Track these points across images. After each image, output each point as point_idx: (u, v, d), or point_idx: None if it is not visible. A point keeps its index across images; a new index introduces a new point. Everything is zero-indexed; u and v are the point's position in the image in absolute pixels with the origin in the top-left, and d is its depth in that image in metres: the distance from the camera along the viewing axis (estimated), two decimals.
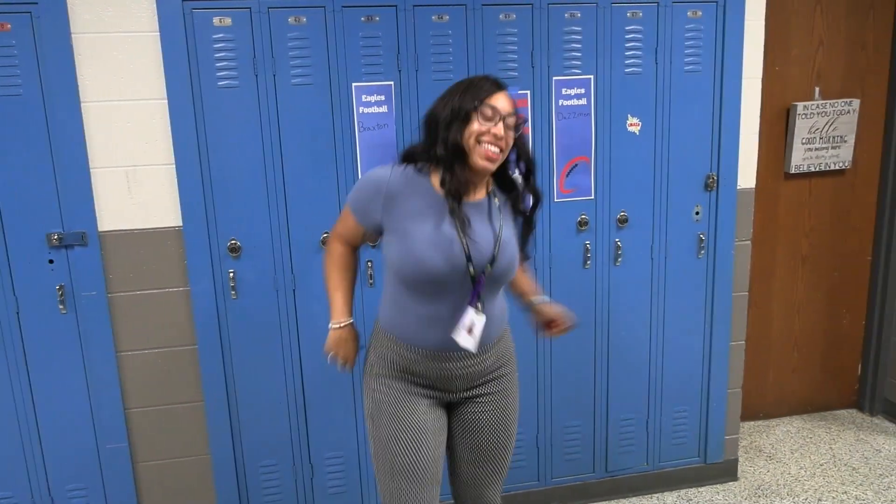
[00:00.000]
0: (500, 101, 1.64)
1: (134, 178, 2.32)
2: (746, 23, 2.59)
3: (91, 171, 2.28)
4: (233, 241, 2.39)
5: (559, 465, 2.83)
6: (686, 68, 2.59)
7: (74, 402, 2.42)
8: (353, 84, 2.36)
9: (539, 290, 2.01)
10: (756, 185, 2.78)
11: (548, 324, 1.99)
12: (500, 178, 1.79)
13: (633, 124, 2.60)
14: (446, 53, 2.40)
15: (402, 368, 1.76)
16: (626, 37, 2.52)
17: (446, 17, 2.39)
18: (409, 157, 1.75)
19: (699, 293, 2.80)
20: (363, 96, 2.37)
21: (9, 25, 2.15)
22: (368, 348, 1.86)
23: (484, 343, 1.74)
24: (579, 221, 2.61)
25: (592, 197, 2.61)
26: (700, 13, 2.56)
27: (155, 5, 2.22)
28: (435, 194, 1.68)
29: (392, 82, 2.38)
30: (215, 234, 2.39)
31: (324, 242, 2.43)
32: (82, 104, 2.24)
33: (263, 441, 2.57)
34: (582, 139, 2.56)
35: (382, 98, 2.38)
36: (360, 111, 2.38)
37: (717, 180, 2.69)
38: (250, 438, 2.56)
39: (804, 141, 3.17)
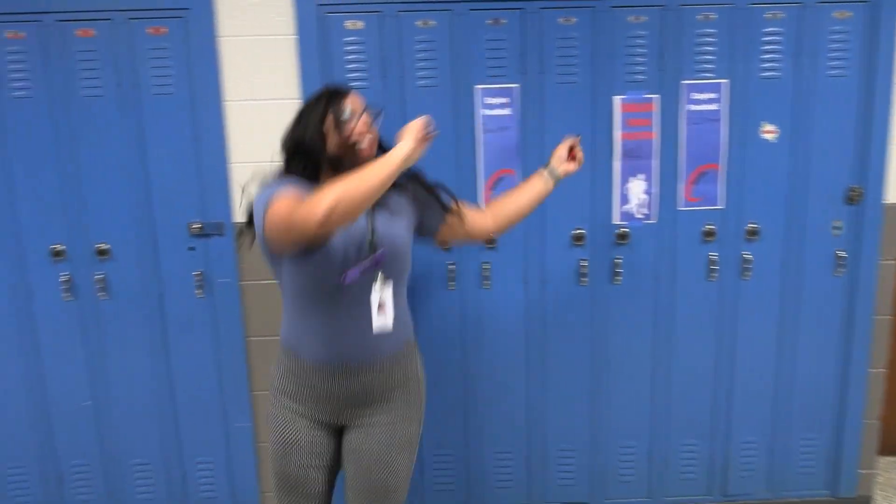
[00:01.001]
0: (351, 103, 1.75)
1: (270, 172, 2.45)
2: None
3: (230, 165, 2.44)
4: None
5: (672, 484, 2.72)
6: (830, 73, 2.42)
7: (206, 381, 2.59)
8: (477, 86, 2.38)
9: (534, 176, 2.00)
10: None
11: (569, 157, 2.02)
12: None
13: (769, 131, 2.46)
14: (572, 56, 2.38)
15: (291, 384, 1.78)
16: (764, 39, 2.39)
17: (573, 20, 2.36)
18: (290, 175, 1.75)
19: (835, 314, 2.60)
20: (486, 98, 2.39)
21: (165, 29, 2.34)
22: (276, 363, 1.87)
23: (387, 352, 1.74)
24: (705, 232, 2.50)
25: (720, 206, 2.50)
26: (849, 14, 2.39)
27: (293, 10, 2.34)
28: None
29: (516, 85, 2.38)
30: None
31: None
32: (224, 103, 2.40)
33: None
34: (711, 146, 2.46)
35: (506, 100, 2.39)
36: (483, 113, 2.40)
37: (862, 193, 2.49)
38: None
39: None
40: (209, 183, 2.44)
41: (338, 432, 1.84)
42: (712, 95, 2.42)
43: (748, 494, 2.74)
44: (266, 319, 2.55)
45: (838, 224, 2.53)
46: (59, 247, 2.46)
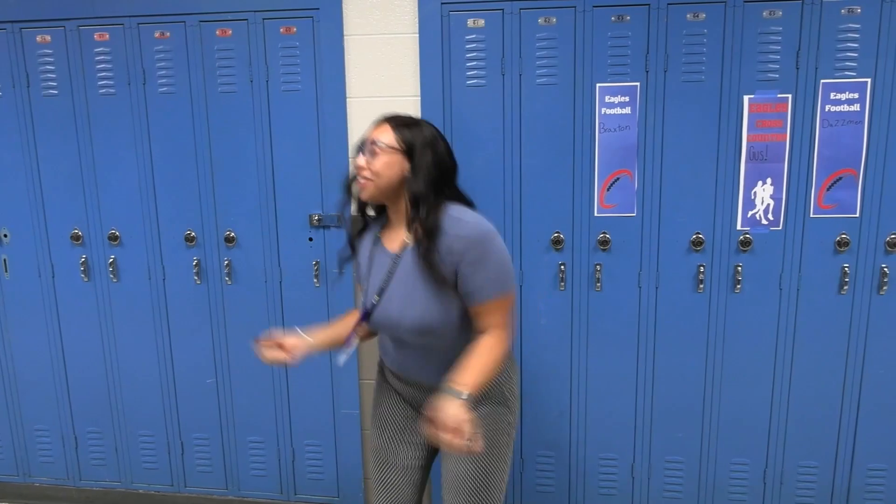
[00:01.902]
0: (369, 133, 1.76)
1: None
2: None
3: (351, 160, 2.52)
4: None
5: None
6: None
7: (319, 368, 2.69)
8: (598, 84, 2.33)
9: (461, 381, 1.61)
10: None
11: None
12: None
13: None
14: (699, 54, 2.28)
15: (383, 367, 1.97)
16: None
17: (703, 16, 2.27)
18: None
19: None
20: (606, 97, 2.34)
21: (294, 29, 2.44)
22: None
23: (435, 383, 1.72)
24: (838, 241, 2.34)
25: (857, 215, 2.33)
26: None
27: (417, 8, 2.38)
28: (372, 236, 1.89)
29: (638, 83, 2.32)
30: None
31: (554, 242, 2.44)
32: (348, 100, 2.47)
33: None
34: (850, 149, 2.29)
35: (626, 99, 2.33)
36: (603, 112, 2.35)
37: None
38: None
39: None
40: (330, 177, 2.52)
41: None
42: (853, 95, 2.26)
43: None
44: None
45: None
46: (191, 233, 2.63)
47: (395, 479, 1.93)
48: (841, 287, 2.38)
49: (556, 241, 2.44)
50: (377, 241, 1.84)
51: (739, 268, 2.39)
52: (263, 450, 2.80)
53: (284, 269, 2.63)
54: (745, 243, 2.37)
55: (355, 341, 1.89)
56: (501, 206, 2.46)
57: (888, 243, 2.33)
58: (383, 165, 1.71)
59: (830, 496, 2.55)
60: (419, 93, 2.42)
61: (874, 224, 2.33)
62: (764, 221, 2.36)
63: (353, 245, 1.92)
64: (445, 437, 1.50)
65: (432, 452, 1.96)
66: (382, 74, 2.46)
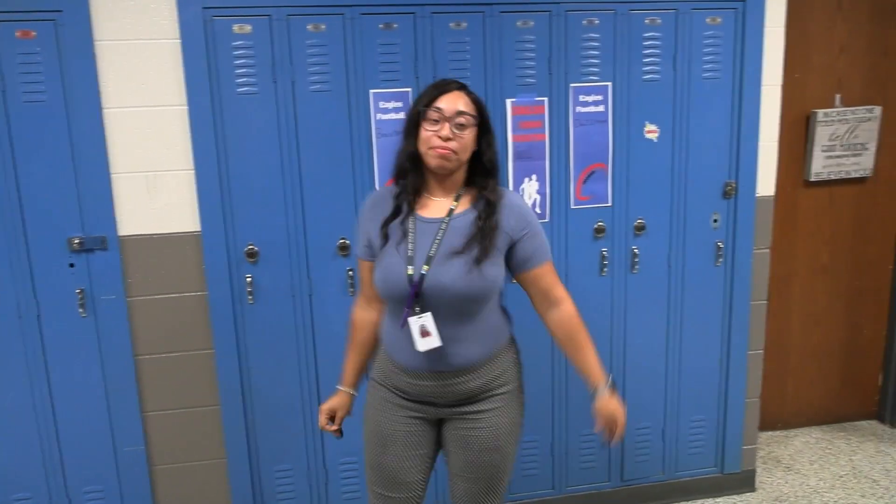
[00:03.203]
0: (446, 102, 1.66)
1: (154, 183, 2.35)
2: (766, 29, 2.58)
3: (112, 176, 2.31)
4: (250, 247, 2.41)
5: (575, 474, 2.81)
6: (704, 75, 2.57)
7: (93, 404, 2.44)
8: (371, 91, 2.37)
9: (599, 374, 1.79)
10: (775, 192, 2.75)
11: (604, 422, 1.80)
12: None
13: (651, 131, 2.59)
14: (464, 60, 2.41)
15: (390, 379, 1.81)
16: (645, 43, 2.51)
17: (464, 24, 2.39)
18: (399, 171, 1.76)
19: (717, 301, 2.77)
20: (380, 103, 2.38)
21: (34, 33, 2.19)
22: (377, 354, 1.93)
23: (462, 366, 1.72)
24: (596, 229, 2.60)
25: (610, 204, 2.60)
26: (719, 20, 2.55)
27: (176, 13, 2.24)
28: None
29: (410, 89, 2.39)
30: (233, 239, 2.40)
31: (340, 248, 2.44)
32: (104, 110, 2.27)
33: (279, 446, 2.58)
34: (599, 146, 2.56)
35: (401, 104, 2.39)
36: (378, 118, 2.39)
37: (736, 188, 2.67)
38: (266, 443, 2.57)
39: (824, 148, 3.14)
40: (89, 195, 2.29)
41: (437, 423, 1.84)
42: (598, 98, 2.52)
43: (644, 477, 2.88)
44: (156, 336, 2.44)
45: (717, 217, 2.70)
46: None
47: (402, 497, 1.83)
48: (601, 270, 2.64)
49: (342, 248, 2.44)
50: (409, 212, 1.73)
51: None
52: (31, 502, 2.49)
53: (42, 300, 2.34)
54: None
55: (412, 318, 1.68)
56: (284, 217, 2.40)
57: (636, 227, 2.63)
58: (471, 138, 1.68)
59: (608, 458, 2.82)
60: (186, 102, 2.29)
61: (624, 211, 2.62)
62: None
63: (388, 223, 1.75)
64: (618, 431, 1.68)
65: (434, 458, 1.89)
66: (144, 83, 2.29)
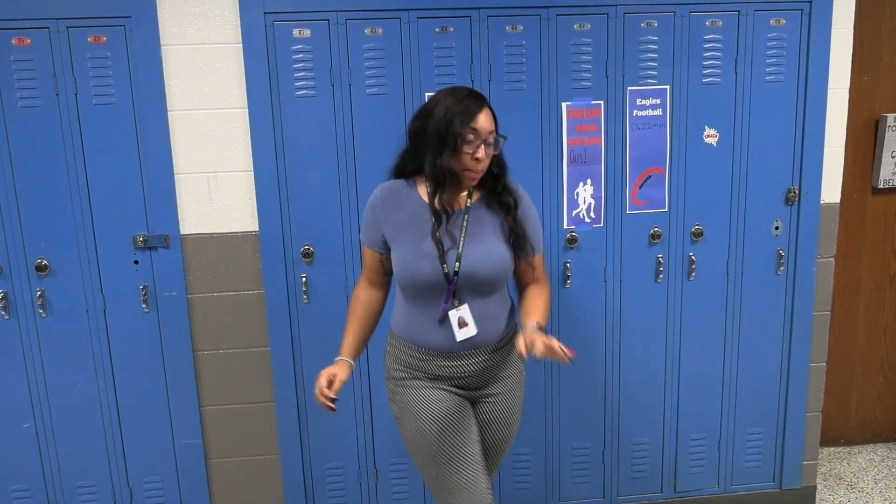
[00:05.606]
0: (481, 121, 1.75)
1: (214, 183, 2.41)
2: (833, 31, 2.49)
3: (175, 176, 2.38)
4: (306, 247, 2.45)
5: (625, 483, 2.76)
6: (767, 78, 2.50)
7: (153, 397, 2.53)
8: (427, 94, 2.38)
9: (537, 318, 1.82)
10: (841, 199, 2.66)
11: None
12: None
13: (711, 136, 2.53)
14: (519, 63, 2.40)
15: (416, 368, 1.89)
16: (705, 46, 2.46)
17: (520, 28, 2.39)
18: (400, 170, 1.89)
19: (777, 311, 2.69)
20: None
21: (104, 38, 2.28)
22: (385, 354, 2.00)
23: (486, 343, 1.86)
24: (652, 234, 2.56)
25: (666, 209, 2.56)
26: (784, 21, 2.47)
27: (238, 18, 2.30)
28: (422, 203, 1.84)
29: None
30: (290, 239, 2.45)
31: None
32: (169, 113, 2.34)
33: (330, 444, 2.62)
34: (656, 150, 2.51)
35: None
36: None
37: (799, 194, 2.59)
38: (318, 441, 2.61)
39: (894, 154, 3.02)
40: (154, 194, 2.38)
41: (471, 402, 1.94)
42: (656, 101, 2.48)
43: (699, 490, 2.81)
44: (214, 333, 2.51)
45: (778, 224, 2.62)
46: None
47: (473, 472, 1.82)
48: (657, 276, 2.59)
49: None
50: (425, 205, 1.83)
51: (568, 264, 2.54)
52: (96, 492, 2.58)
53: (107, 296, 2.43)
54: (572, 241, 2.53)
55: (451, 311, 1.81)
56: (339, 218, 2.44)
57: (693, 233, 2.57)
58: (490, 155, 1.80)
59: (661, 469, 2.77)
60: (246, 104, 2.35)
61: (681, 217, 2.57)
62: (587, 220, 2.53)
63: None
64: (539, 348, 1.65)
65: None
66: (207, 86, 2.35)
